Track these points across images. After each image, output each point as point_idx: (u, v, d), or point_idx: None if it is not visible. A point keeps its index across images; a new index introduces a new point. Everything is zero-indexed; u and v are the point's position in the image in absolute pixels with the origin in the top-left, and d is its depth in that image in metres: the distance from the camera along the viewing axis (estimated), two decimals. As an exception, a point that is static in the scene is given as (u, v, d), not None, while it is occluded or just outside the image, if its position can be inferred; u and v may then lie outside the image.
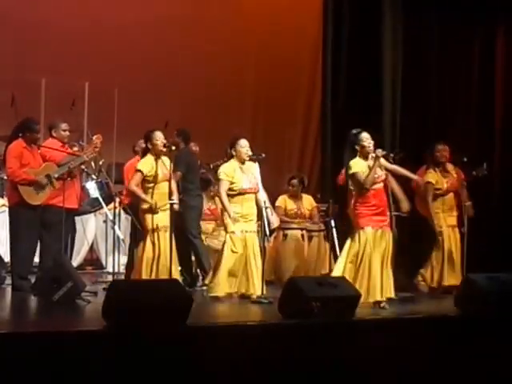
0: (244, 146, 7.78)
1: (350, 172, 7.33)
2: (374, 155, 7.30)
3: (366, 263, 7.21)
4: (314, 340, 5.76)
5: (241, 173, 7.74)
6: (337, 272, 7.25)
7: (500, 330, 6.36)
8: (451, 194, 8.70)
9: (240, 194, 7.71)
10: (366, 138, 7.34)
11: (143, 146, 7.93)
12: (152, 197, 7.70)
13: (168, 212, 7.59)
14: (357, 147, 7.34)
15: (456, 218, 8.66)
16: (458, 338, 6.22)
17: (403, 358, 5.92)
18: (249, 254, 7.66)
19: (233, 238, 7.67)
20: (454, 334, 6.24)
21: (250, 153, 7.78)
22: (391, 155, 7.41)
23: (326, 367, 5.70)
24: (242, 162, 7.79)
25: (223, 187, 7.70)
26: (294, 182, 9.76)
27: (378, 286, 7.18)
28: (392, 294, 7.31)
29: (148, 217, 7.71)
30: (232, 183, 7.71)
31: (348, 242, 7.33)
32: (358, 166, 7.32)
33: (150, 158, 7.75)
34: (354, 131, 7.39)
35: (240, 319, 6.80)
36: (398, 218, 7.69)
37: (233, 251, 7.64)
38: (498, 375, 6.19)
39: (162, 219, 7.66)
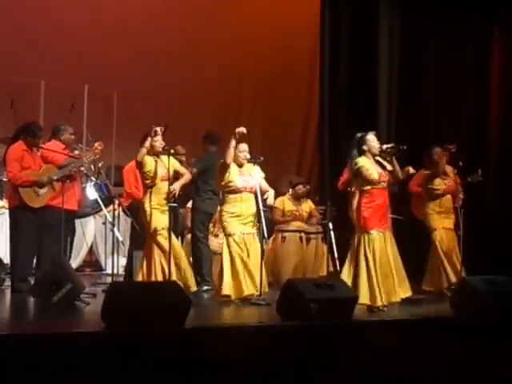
0: (243, 150, 7.83)
1: (357, 167, 7.37)
2: (383, 148, 7.41)
3: (371, 266, 7.24)
4: (312, 342, 5.77)
5: (237, 173, 7.79)
6: (363, 280, 7.24)
7: (496, 332, 6.39)
8: (448, 197, 8.70)
9: (235, 192, 7.76)
10: (373, 139, 7.45)
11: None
12: (150, 196, 7.73)
13: (167, 213, 7.64)
14: (365, 147, 7.42)
15: (453, 221, 8.67)
16: (454, 339, 6.24)
17: (400, 359, 5.93)
18: (248, 255, 7.68)
19: (230, 241, 7.70)
20: (450, 336, 6.27)
21: (249, 156, 7.84)
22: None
23: (324, 369, 5.71)
24: (240, 165, 7.85)
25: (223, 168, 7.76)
26: (305, 187, 9.82)
27: (388, 288, 7.27)
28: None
29: (148, 218, 7.73)
30: (228, 181, 7.77)
31: (359, 249, 7.32)
32: (363, 161, 7.37)
33: (149, 157, 7.77)
34: (360, 134, 7.46)
35: (238, 321, 6.83)
36: (395, 221, 7.72)
37: (231, 253, 7.66)
38: (495, 378, 6.22)
39: (161, 221, 7.69)
